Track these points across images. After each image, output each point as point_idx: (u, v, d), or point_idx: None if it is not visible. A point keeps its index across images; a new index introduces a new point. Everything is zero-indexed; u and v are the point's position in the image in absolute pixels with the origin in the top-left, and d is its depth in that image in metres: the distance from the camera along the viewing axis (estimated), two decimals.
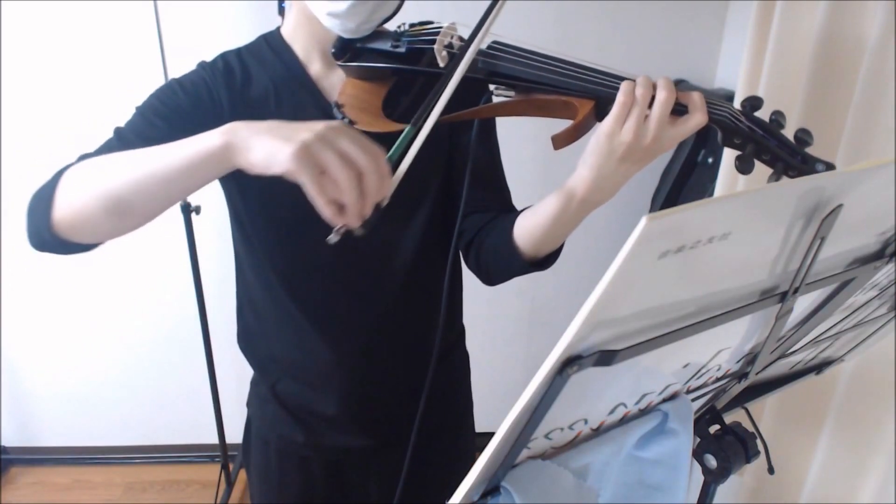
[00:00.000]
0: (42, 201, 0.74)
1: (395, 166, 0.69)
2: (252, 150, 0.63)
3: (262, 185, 0.91)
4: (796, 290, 0.61)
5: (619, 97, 0.70)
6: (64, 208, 0.73)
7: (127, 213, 0.72)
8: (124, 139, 0.84)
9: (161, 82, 0.92)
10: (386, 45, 0.87)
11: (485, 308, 2.18)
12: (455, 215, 0.91)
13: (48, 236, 0.74)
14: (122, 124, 0.87)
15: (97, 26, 1.85)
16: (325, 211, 0.63)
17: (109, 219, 0.72)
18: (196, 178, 0.69)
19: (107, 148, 0.83)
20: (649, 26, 1.95)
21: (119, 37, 1.86)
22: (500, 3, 0.75)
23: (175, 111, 0.86)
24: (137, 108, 0.89)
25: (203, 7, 1.84)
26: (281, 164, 0.61)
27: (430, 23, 0.87)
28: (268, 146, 0.62)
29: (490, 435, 0.53)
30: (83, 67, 1.89)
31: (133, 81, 1.86)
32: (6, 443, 2.37)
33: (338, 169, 0.61)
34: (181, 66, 0.95)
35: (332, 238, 0.66)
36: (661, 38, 1.97)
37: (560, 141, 0.75)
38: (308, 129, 0.62)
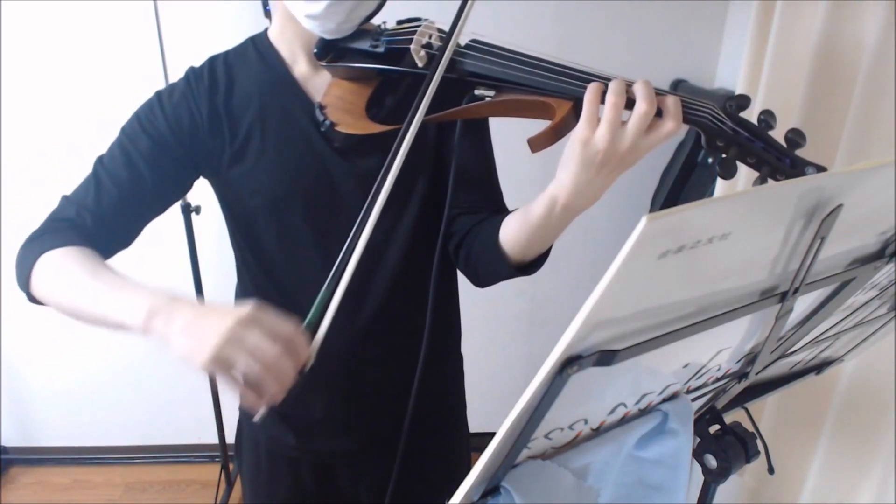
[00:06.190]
0: (23, 271, 0.85)
1: (315, 328, 0.72)
2: (170, 345, 0.71)
3: (248, 207, 0.94)
4: (796, 290, 0.61)
5: (587, 95, 0.68)
6: (36, 292, 0.85)
7: (80, 320, 0.80)
8: (102, 188, 0.89)
9: (161, 82, 0.93)
10: (366, 45, 0.85)
11: (484, 308, 2.17)
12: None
13: (31, 300, 0.87)
14: (104, 152, 0.91)
15: (97, 26, 1.85)
16: (242, 401, 0.69)
17: (69, 315, 0.82)
18: (121, 331, 0.76)
19: (83, 193, 0.90)
20: (649, 26, 1.95)
21: (119, 37, 1.86)
22: (469, 4, 0.74)
23: (157, 142, 0.90)
24: (122, 132, 0.92)
25: (203, 7, 1.84)
26: (197, 368, 0.68)
27: (416, 20, 0.85)
28: (183, 348, 0.69)
29: (490, 435, 0.53)
30: (83, 67, 1.89)
31: (133, 81, 1.85)
32: (6, 443, 2.37)
33: (247, 368, 0.67)
34: (181, 66, 0.96)
35: (258, 419, 0.71)
36: (661, 38, 1.96)
37: (537, 143, 0.72)
38: (216, 332, 0.67)
